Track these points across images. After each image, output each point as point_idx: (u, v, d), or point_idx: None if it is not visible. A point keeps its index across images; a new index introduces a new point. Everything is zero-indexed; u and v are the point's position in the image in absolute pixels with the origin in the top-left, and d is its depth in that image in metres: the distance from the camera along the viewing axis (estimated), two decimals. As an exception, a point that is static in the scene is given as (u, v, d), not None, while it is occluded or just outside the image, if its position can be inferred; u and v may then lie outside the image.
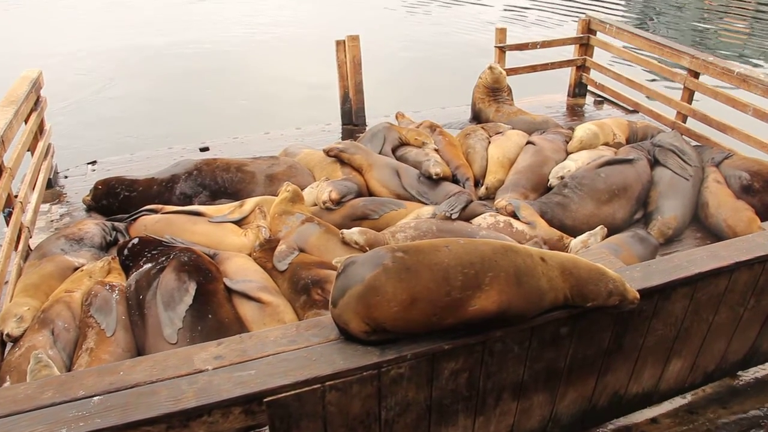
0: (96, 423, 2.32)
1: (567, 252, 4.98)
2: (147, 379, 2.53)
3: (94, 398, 2.44)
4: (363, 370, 2.58)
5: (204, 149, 7.84)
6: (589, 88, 9.65)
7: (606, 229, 5.30)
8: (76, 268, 4.83)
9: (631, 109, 9.02)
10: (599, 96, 9.63)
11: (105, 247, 5.31)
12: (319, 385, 2.52)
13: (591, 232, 5.25)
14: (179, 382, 2.51)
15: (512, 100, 8.38)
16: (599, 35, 9.26)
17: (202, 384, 2.49)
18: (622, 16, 19.65)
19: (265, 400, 2.46)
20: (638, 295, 2.88)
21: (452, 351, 2.72)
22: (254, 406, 2.49)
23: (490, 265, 2.59)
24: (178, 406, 2.40)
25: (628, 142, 7.05)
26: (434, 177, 5.98)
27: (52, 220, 6.24)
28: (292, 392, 2.49)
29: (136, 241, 4.88)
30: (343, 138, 8.22)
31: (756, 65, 14.37)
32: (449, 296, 2.53)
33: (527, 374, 3.08)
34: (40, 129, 6.72)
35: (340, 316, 2.60)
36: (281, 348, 2.67)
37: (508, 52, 9.01)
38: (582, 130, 6.78)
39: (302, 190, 5.63)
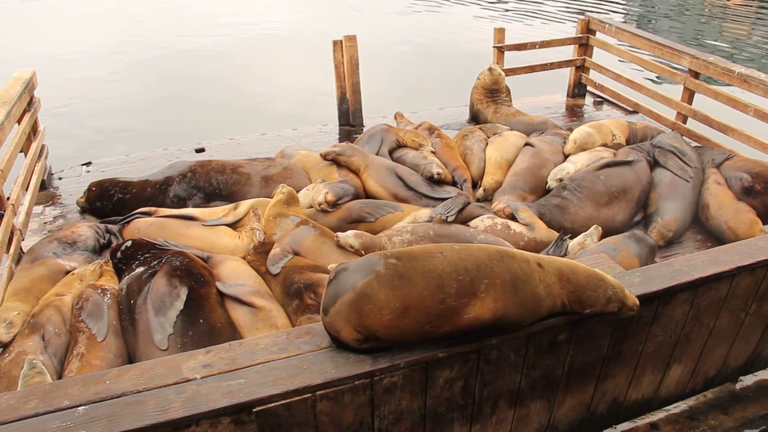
0: (81, 434, 2.26)
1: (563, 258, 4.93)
2: (134, 388, 2.48)
3: (79, 408, 2.39)
4: (355, 379, 2.52)
5: (200, 150, 7.78)
6: (589, 88, 9.59)
7: (600, 228, 5.24)
8: (68, 272, 4.77)
9: (630, 109, 8.96)
10: (599, 96, 9.57)
11: (98, 249, 5.24)
12: (310, 395, 2.46)
13: (586, 233, 5.20)
14: (166, 392, 2.45)
15: (511, 101, 8.33)
16: (599, 35, 9.19)
17: (190, 393, 2.44)
18: (624, 9, 19.61)
19: (255, 409, 2.41)
20: (638, 302, 2.82)
21: (447, 359, 2.66)
22: (243, 416, 2.44)
23: (485, 271, 2.53)
24: (165, 416, 2.35)
25: (627, 143, 6.98)
26: (435, 177, 5.95)
27: (45, 222, 6.18)
28: (283, 402, 2.43)
29: (129, 243, 4.82)
30: (340, 139, 8.17)
31: (754, 64, 14.31)
32: (443, 304, 2.46)
33: (524, 382, 3.02)
34: (34, 130, 6.65)
35: (332, 323, 2.54)
36: (271, 356, 2.61)
37: (506, 53, 8.95)
38: (576, 132, 6.73)
39: (298, 191, 5.57)
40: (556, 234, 5.35)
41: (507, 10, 20.34)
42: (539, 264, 2.70)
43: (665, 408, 3.89)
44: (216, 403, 2.39)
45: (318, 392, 2.47)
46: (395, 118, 8.05)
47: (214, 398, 2.41)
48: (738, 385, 4.14)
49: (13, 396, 2.47)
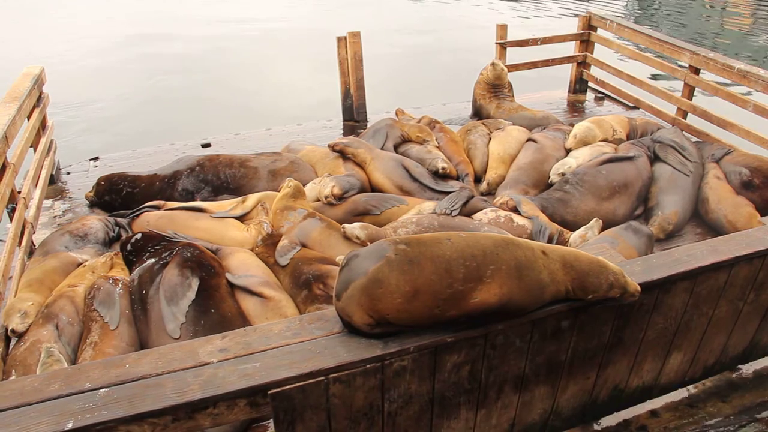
0: (102, 415, 2.35)
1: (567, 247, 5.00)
2: (153, 371, 2.55)
3: (101, 390, 2.46)
4: (366, 363, 2.60)
5: (206, 145, 7.86)
6: (590, 84, 9.66)
7: (601, 221, 5.34)
8: (80, 264, 4.86)
9: (631, 105, 9.03)
10: (600, 92, 9.64)
11: (108, 242, 5.34)
12: (323, 378, 2.54)
13: (587, 226, 5.28)
14: (185, 375, 2.53)
15: (513, 96, 8.40)
16: (600, 31, 9.26)
17: (207, 376, 2.51)
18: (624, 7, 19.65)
19: (270, 392, 2.49)
20: (639, 288, 2.90)
21: (454, 344, 2.74)
22: (259, 398, 2.52)
23: (491, 258, 2.62)
24: (183, 398, 2.42)
25: (628, 138, 7.06)
26: (440, 172, 6.06)
27: (54, 216, 6.27)
28: (296, 384, 2.51)
29: (139, 236, 4.91)
30: (344, 134, 8.25)
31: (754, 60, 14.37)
32: (451, 288, 2.55)
33: (529, 367, 3.10)
34: (43, 125, 6.75)
35: (344, 308, 2.62)
36: (285, 341, 2.69)
37: (508, 49, 9.02)
38: (577, 127, 6.82)
39: (304, 185, 5.65)
40: (557, 227, 5.43)
41: (509, 7, 20.38)
42: (543, 251, 2.79)
43: (665, 395, 3.96)
44: (232, 386, 2.47)
45: (331, 375, 2.55)
46: (396, 114, 8.13)
47: (231, 381, 2.49)
48: (736, 374, 4.22)
49: (37, 379, 2.55)
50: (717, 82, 7.65)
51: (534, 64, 9.34)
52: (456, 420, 3.08)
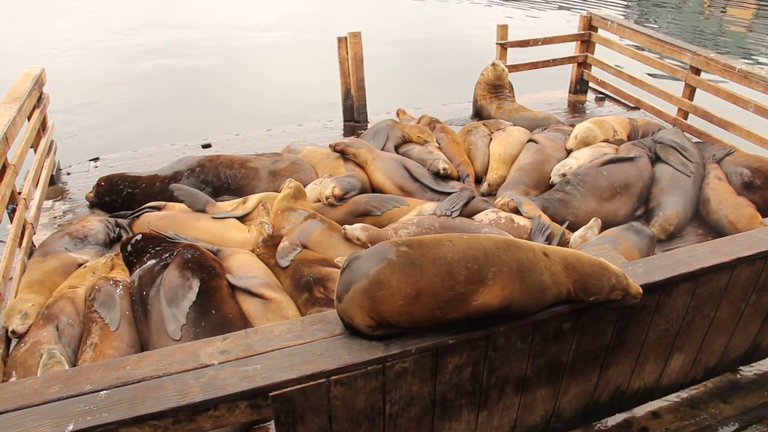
0: (103, 417, 2.33)
1: (567, 247, 5.00)
2: (153, 373, 2.54)
3: (101, 392, 2.45)
4: (368, 365, 2.59)
5: (206, 146, 7.86)
6: (591, 84, 9.65)
7: (600, 221, 5.33)
8: (80, 265, 4.85)
9: (632, 105, 9.02)
10: (600, 93, 9.63)
11: (108, 243, 5.33)
12: (324, 380, 2.53)
13: (587, 226, 5.28)
14: (185, 377, 2.52)
15: (513, 96, 8.40)
16: (600, 32, 9.26)
17: (208, 378, 2.50)
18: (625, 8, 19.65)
19: (271, 394, 2.47)
20: (641, 290, 2.89)
21: (456, 345, 2.73)
22: (260, 400, 2.51)
23: (493, 260, 2.61)
24: (184, 400, 2.41)
25: (629, 138, 7.06)
26: (441, 172, 6.06)
27: (55, 217, 6.26)
28: (298, 386, 2.50)
29: (139, 237, 4.90)
30: (345, 135, 8.25)
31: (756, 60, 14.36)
32: (453, 290, 2.54)
33: (530, 369, 3.09)
34: (43, 126, 6.74)
35: (345, 310, 2.61)
36: (286, 343, 2.68)
37: (509, 49, 9.01)
38: (578, 128, 6.82)
39: (305, 186, 5.65)
40: (558, 227, 5.43)
41: (510, 7, 20.38)
42: (545, 253, 2.77)
43: (667, 397, 3.96)
44: (233, 388, 2.45)
45: (332, 377, 2.54)
46: (397, 114, 8.13)
47: (232, 383, 2.48)
48: (738, 375, 4.22)
49: (37, 381, 2.54)
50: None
51: (534, 65, 9.34)
52: (457, 422, 3.07)
